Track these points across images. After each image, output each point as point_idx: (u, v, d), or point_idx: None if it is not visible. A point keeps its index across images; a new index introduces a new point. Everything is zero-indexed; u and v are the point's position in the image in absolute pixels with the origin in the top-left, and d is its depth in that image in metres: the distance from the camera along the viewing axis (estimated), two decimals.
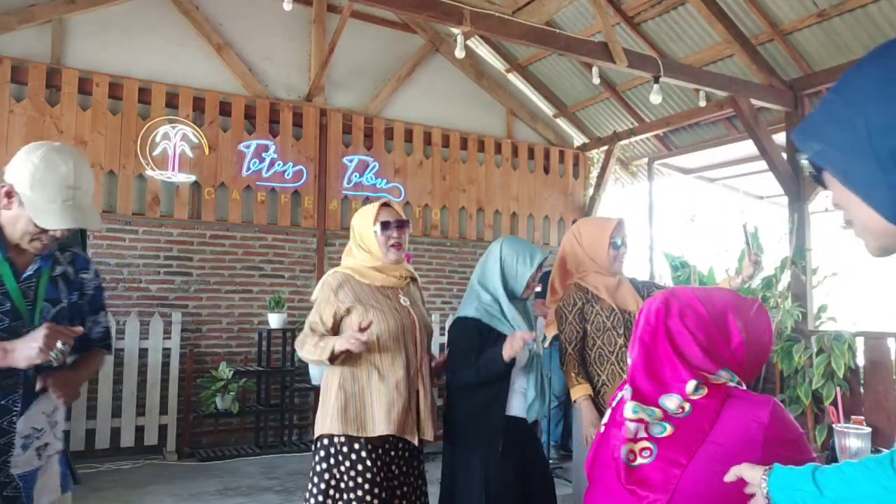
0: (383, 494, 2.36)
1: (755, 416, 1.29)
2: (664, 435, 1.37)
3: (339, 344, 2.24)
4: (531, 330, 2.59)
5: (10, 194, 1.65)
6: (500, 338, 2.47)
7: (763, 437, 1.27)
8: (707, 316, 1.44)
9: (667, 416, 1.38)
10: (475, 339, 2.48)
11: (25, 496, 1.69)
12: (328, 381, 2.44)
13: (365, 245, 2.53)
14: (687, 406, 1.37)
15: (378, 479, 2.35)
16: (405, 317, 2.49)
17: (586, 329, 2.79)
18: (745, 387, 1.42)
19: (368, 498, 2.31)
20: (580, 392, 2.73)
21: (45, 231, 1.63)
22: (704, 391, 1.37)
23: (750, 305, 1.49)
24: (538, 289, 5.14)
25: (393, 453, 2.44)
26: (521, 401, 2.54)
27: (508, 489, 2.43)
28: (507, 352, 2.34)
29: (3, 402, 1.62)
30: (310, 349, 2.34)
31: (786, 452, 1.26)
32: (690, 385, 1.38)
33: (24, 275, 1.69)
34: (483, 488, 2.39)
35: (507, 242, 2.65)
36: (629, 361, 1.52)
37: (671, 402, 1.39)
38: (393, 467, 2.45)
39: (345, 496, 2.32)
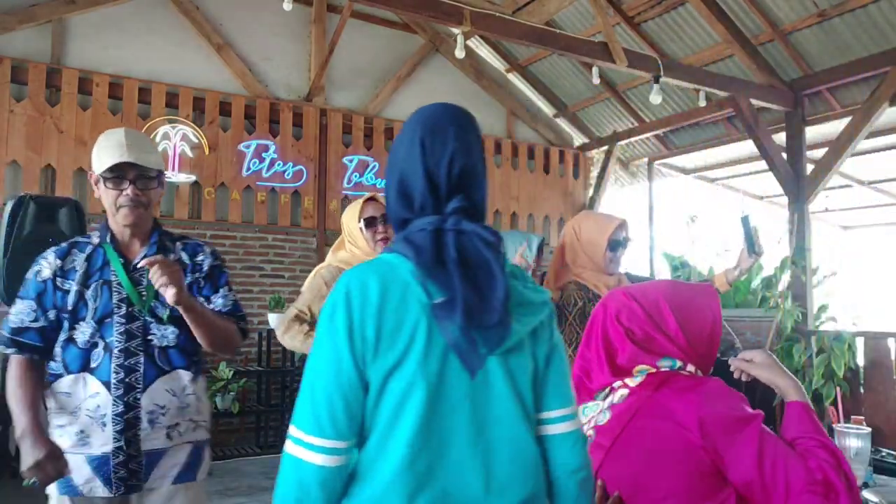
0: None
1: (688, 398, 1.29)
2: (604, 423, 1.40)
3: None
4: None
5: (96, 181, 1.85)
6: None
7: (697, 418, 1.25)
8: (640, 310, 1.44)
9: (610, 406, 1.41)
10: None
11: (145, 473, 1.78)
12: None
13: (353, 241, 2.59)
14: (625, 392, 1.39)
15: None
16: None
17: None
18: (695, 371, 1.41)
19: None
20: None
21: (121, 192, 1.79)
22: (643, 378, 1.38)
23: (686, 290, 1.50)
24: None
25: None
26: None
27: None
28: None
29: (127, 380, 1.77)
30: (298, 340, 2.44)
31: (724, 431, 1.25)
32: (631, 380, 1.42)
33: (133, 263, 1.85)
34: None
35: (512, 235, 2.87)
36: None
37: (610, 396, 1.43)
38: None
39: None
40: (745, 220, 2.76)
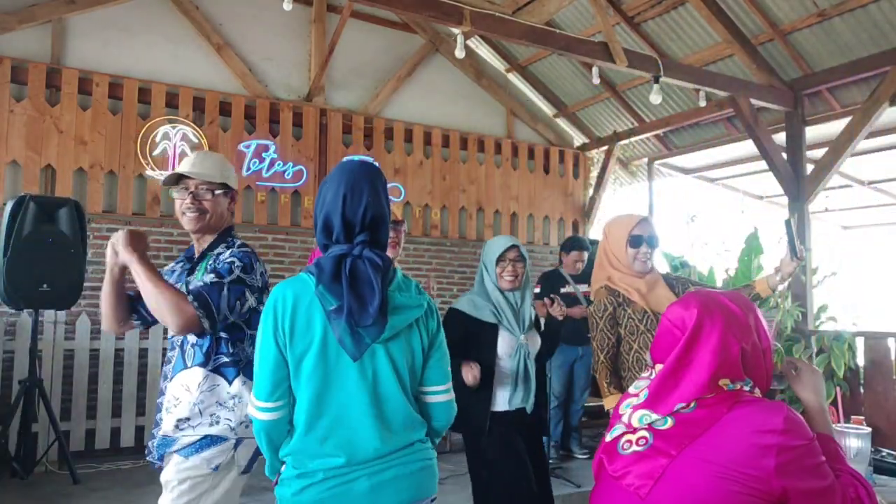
0: None
1: (768, 422, 1.28)
2: (664, 427, 1.37)
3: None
4: (520, 326, 2.73)
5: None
6: (484, 328, 2.67)
7: (778, 444, 1.25)
8: (748, 324, 1.41)
9: (672, 412, 1.38)
10: (455, 329, 2.61)
11: (158, 455, 2.01)
12: None
13: None
14: (693, 404, 1.36)
15: None
16: None
17: (620, 334, 2.68)
18: (759, 393, 1.40)
19: None
20: (613, 403, 2.60)
21: (182, 201, 2.05)
22: (714, 393, 1.36)
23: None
24: (537, 290, 5.08)
25: None
26: (505, 396, 2.68)
27: (518, 461, 2.59)
28: (466, 377, 2.52)
29: (165, 370, 2.07)
30: None
31: (800, 458, 1.26)
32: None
33: (196, 266, 2.09)
34: (482, 470, 2.57)
35: (489, 241, 2.84)
36: (653, 363, 1.49)
37: (680, 408, 1.38)
38: None
39: None
40: (787, 224, 2.72)
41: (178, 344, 2.02)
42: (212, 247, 2.08)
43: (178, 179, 2.07)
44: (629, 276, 2.71)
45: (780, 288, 3.02)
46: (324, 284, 1.49)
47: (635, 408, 1.43)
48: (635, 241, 2.68)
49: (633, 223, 2.72)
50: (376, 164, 1.71)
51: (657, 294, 2.70)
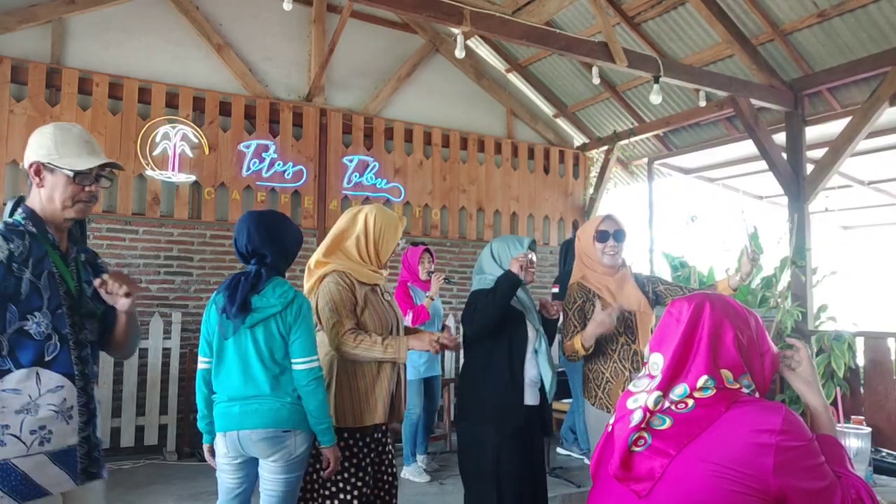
0: (367, 479, 2.52)
1: (766, 422, 1.28)
2: (662, 427, 1.37)
3: (418, 345, 2.52)
4: (536, 319, 2.78)
5: (38, 171, 1.78)
6: (513, 311, 2.68)
7: (776, 443, 1.26)
8: (744, 315, 1.44)
9: (668, 411, 1.38)
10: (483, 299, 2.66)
11: (103, 462, 1.90)
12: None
13: (381, 248, 2.63)
14: (690, 402, 1.36)
15: (364, 463, 2.52)
16: (390, 312, 2.67)
17: (587, 326, 2.82)
18: (757, 395, 1.41)
19: (359, 484, 2.49)
20: (579, 341, 2.76)
21: (83, 188, 1.78)
22: (712, 392, 1.36)
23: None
24: (555, 290, 5.15)
25: (377, 437, 2.61)
26: (532, 391, 2.69)
27: (517, 468, 2.62)
28: (605, 320, 2.60)
29: (86, 371, 1.80)
30: (373, 349, 2.45)
31: (798, 459, 1.26)
32: (702, 380, 1.37)
33: (70, 257, 1.83)
34: (495, 466, 2.57)
35: (495, 240, 2.85)
36: (648, 356, 1.50)
37: (678, 389, 1.39)
38: (378, 450, 2.62)
39: (340, 485, 2.47)
40: (745, 226, 2.87)
41: (88, 340, 1.83)
42: (73, 239, 1.88)
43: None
44: (600, 275, 2.89)
45: (780, 289, 3.13)
46: (220, 292, 2.38)
47: (650, 391, 1.43)
48: (602, 236, 2.87)
49: (600, 221, 2.93)
50: (263, 211, 2.58)
51: (626, 292, 2.87)
